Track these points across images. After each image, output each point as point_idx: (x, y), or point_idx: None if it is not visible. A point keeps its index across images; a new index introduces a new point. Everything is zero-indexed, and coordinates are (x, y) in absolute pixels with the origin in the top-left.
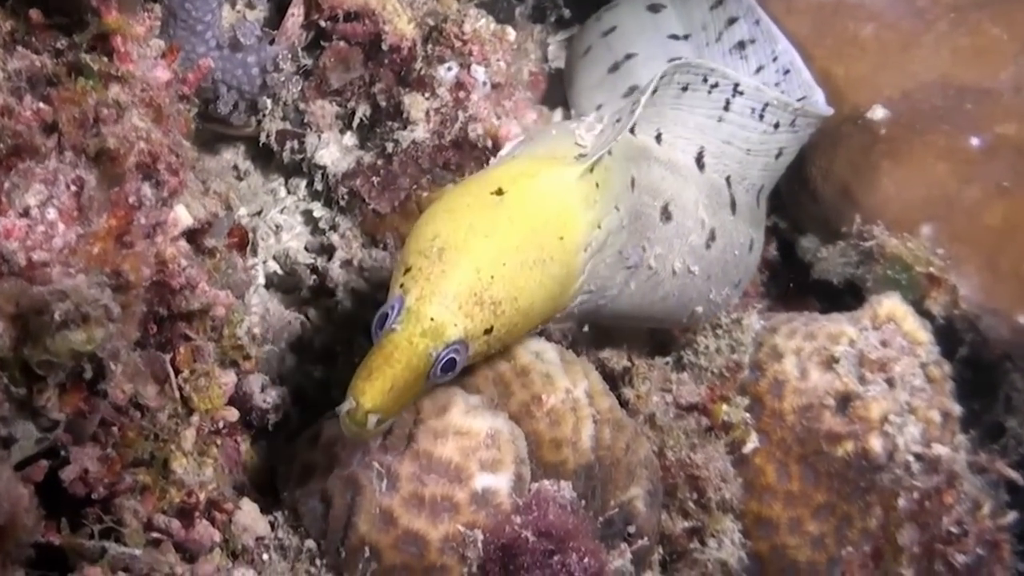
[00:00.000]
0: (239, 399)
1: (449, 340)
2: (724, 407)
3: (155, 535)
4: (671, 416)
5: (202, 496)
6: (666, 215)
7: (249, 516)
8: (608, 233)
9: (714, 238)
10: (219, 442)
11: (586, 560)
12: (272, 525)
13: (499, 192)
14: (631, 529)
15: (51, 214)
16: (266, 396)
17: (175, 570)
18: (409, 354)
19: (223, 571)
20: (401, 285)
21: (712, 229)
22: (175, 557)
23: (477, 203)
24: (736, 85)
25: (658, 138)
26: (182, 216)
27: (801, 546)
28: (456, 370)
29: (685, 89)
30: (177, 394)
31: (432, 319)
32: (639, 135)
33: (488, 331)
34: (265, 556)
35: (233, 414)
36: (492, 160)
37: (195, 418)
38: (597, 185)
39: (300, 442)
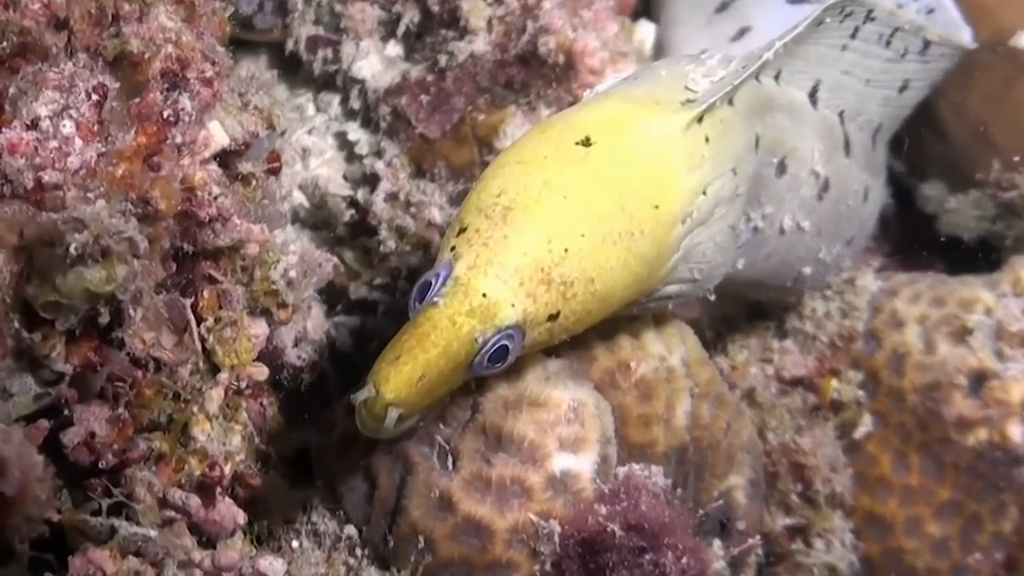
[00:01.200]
0: (269, 354)
1: (502, 324)
2: (834, 383)
3: (169, 513)
4: (772, 392)
5: (227, 469)
6: (781, 169)
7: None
8: (716, 202)
9: (827, 188)
10: (244, 404)
11: (684, 561)
12: (304, 507)
13: (585, 142)
14: (738, 526)
15: (66, 127)
16: (301, 352)
17: (192, 556)
18: (449, 336)
19: (246, 560)
20: (452, 248)
21: (826, 179)
22: (191, 540)
23: (557, 154)
24: (870, 11)
25: (776, 77)
26: (216, 134)
27: (920, 550)
28: (507, 362)
29: (820, 24)
30: (199, 346)
31: (485, 295)
32: (763, 79)
33: (553, 317)
34: (295, 543)
35: (262, 372)
36: (585, 95)
37: (223, 375)
38: (707, 140)
39: (339, 408)
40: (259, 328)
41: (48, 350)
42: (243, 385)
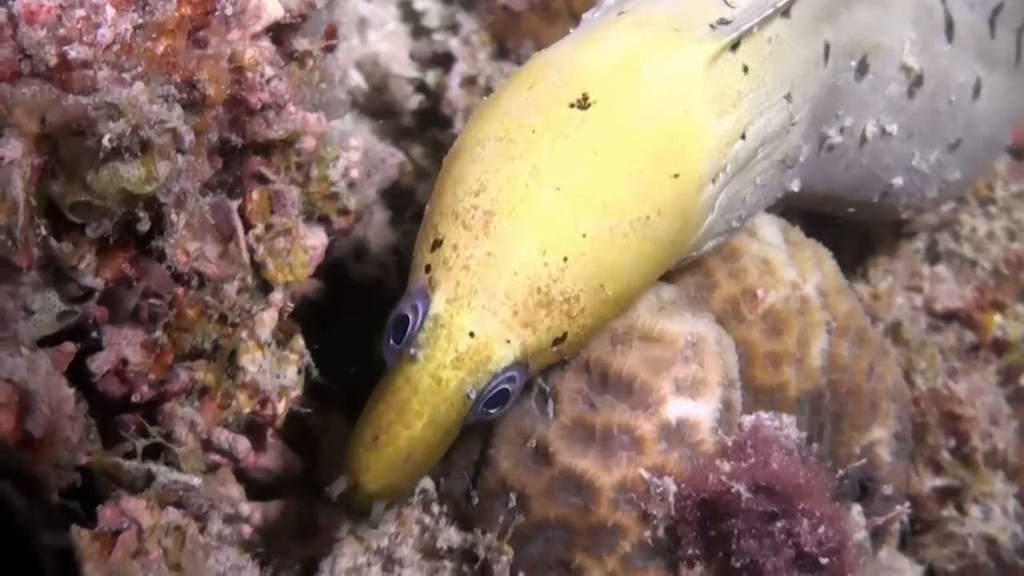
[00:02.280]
0: (327, 269)
1: (498, 368)
2: (997, 318)
3: (214, 457)
4: (922, 327)
5: (280, 406)
6: (862, 70)
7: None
8: (761, 142)
9: (920, 83)
10: (298, 325)
11: (821, 530)
12: None
13: (582, 102)
14: (883, 489)
15: None
16: (364, 268)
17: (240, 509)
18: (435, 400)
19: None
20: (427, 268)
21: (919, 72)
22: (239, 490)
23: (547, 124)
24: None
25: None
26: (268, 4)
27: None
28: (511, 401)
29: None
30: (246, 257)
31: (472, 334)
32: None
33: (559, 340)
34: None
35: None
36: (585, 17)
37: (276, 295)
38: (745, 70)
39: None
40: (316, 238)
41: (76, 260)
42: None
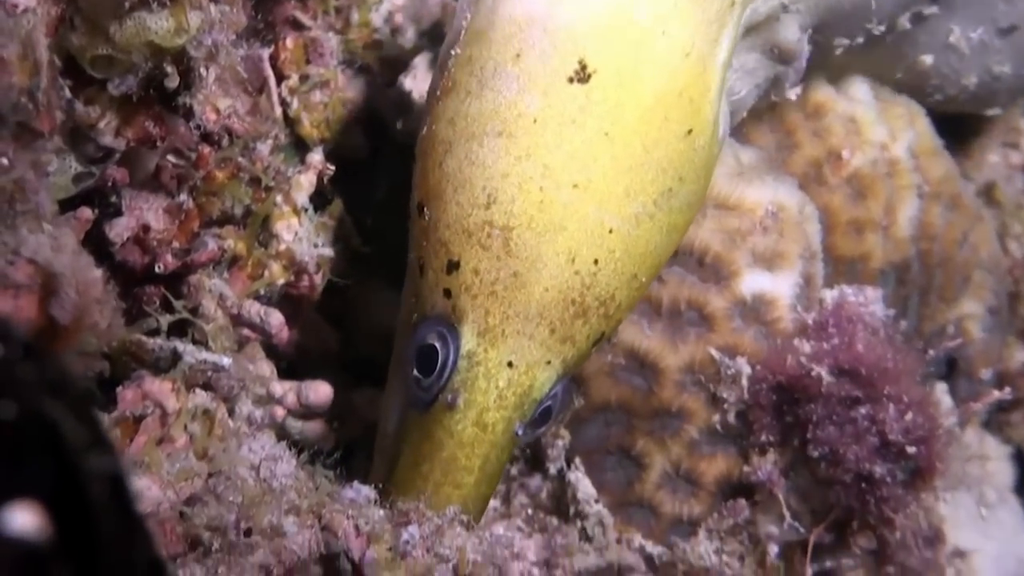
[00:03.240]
0: (368, 126)
1: (541, 395)
2: None
3: (244, 333)
4: (1018, 187)
5: (318, 277)
6: None
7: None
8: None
9: None
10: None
11: (909, 417)
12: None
13: (581, 74)
14: (975, 371)
15: None
16: (408, 124)
17: (272, 389)
18: (484, 448)
19: (341, 394)
20: (447, 293)
21: None
22: (271, 369)
23: (549, 110)
24: None
25: None
26: None
27: None
28: (553, 418)
29: None
30: (279, 112)
31: (511, 363)
32: None
33: (599, 340)
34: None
35: (362, 148)
36: None
37: (315, 155)
38: None
39: None
40: (356, 91)
41: (95, 119)
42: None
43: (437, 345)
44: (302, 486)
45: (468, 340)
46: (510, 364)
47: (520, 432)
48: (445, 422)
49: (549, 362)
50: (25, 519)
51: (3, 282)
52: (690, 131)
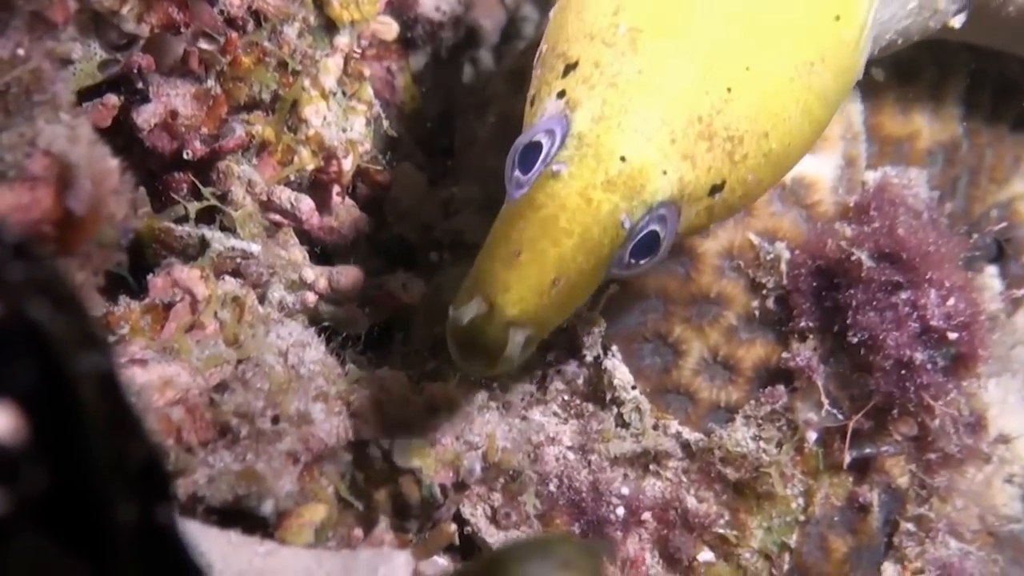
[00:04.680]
0: (398, 5)
1: (654, 199)
2: None
3: (274, 218)
4: None
5: (347, 162)
6: None
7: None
8: None
9: None
10: (367, 74)
11: (951, 302)
12: (446, 209)
13: None
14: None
15: None
16: (440, 2)
17: (303, 275)
18: (586, 220)
19: (371, 280)
20: (561, 94)
21: None
22: (302, 254)
23: None
24: None
25: None
26: None
27: None
28: (659, 255)
29: None
30: None
31: (624, 158)
32: None
33: (717, 189)
34: (434, 255)
35: (391, 28)
36: None
37: (342, 38)
38: None
39: (495, 78)
40: None
41: (119, 5)
42: (366, 47)
43: (543, 140)
44: (330, 372)
45: (581, 122)
46: (623, 159)
47: (627, 226)
48: (547, 186)
49: (665, 172)
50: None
51: (20, 174)
52: (839, 17)
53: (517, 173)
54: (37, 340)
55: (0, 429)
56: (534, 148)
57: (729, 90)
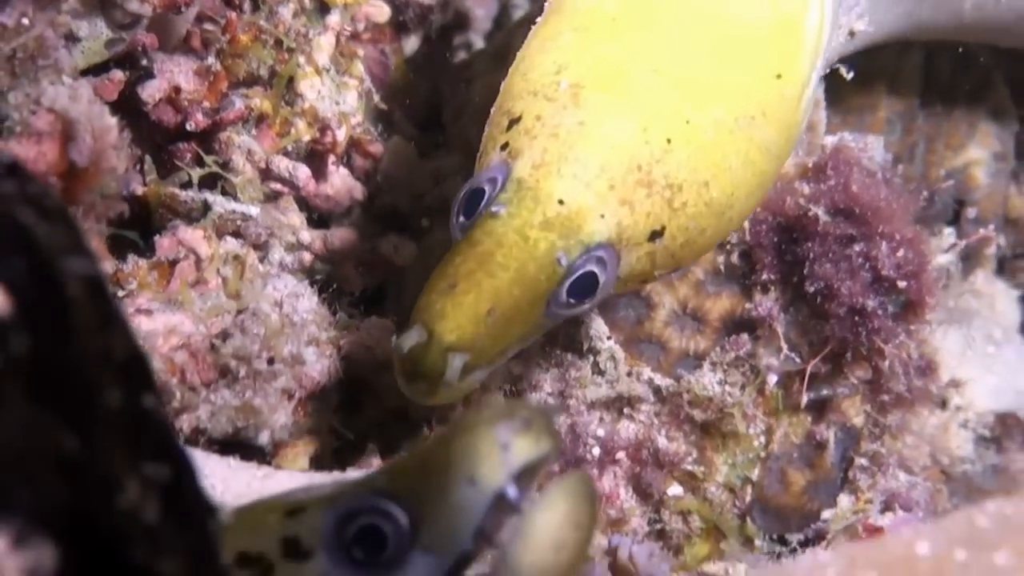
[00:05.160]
0: None
1: (591, 240)
2: None
3: (273, 186)
4: None
5: (341, 133)
6: None
7: (401, 162)
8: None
9: None
10: (360, 52)
11: (901, 253)
12: (436, 179)
13: None
14: (969, 214)
15: None
16: None
17: (300, 237)
18: (522, 256)
19: (367, 243)
20: (504, 147)
21: None
22: (300, 219)
23: (630, 10)
24: None
25: None
26: None
27: None
28: (596, 296)
29: None
30: None
31: (561, 201)
32: None
33: (657, 235)
34: (425, 222)
35: (382, 11)
36: None
37: (334, 17)
38: None
39: (478, 60)
40: None
41: None
42: (360, 28)
43: (486, 187)
44: (322, 320)
45: (521, 169)
46: (561, 201)
47: (563, 263)
48: (486, 224)
49: (603, 216)
50: None
51: (27, 130)
52: (780, 76)
53: (461, 219)
54: (27, 242)
55: None
56: (477, 195)
57: (669, 141)
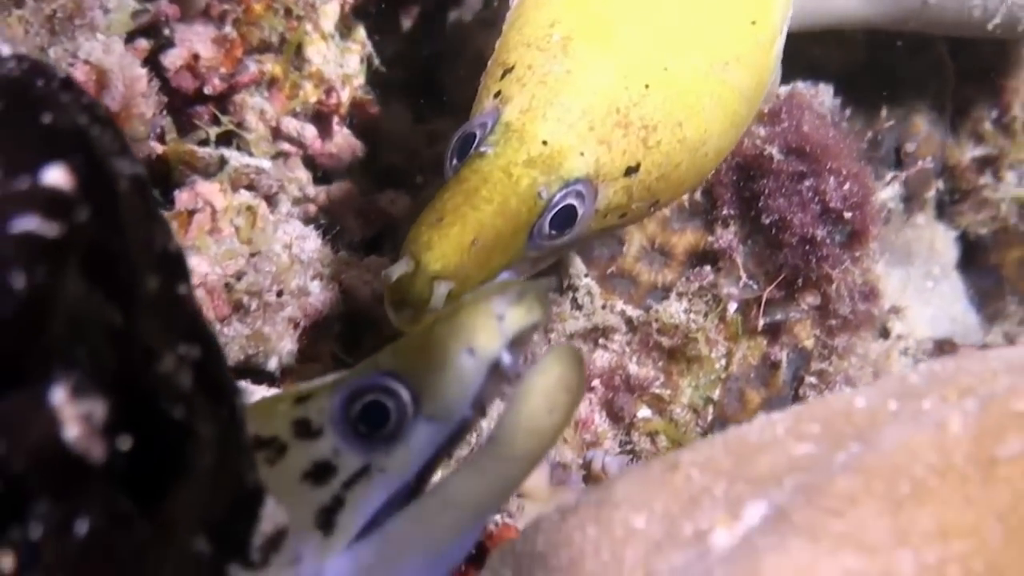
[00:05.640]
0: None
1: (570, 175)
2: None
3: (283, 145)
4: None
5: (344, 95)
6: None
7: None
8: None
9: None
10: (361, 22)
11: (847, 186)
12: (429, 139)
13: None
14: (908, 149)
15: None
16: None
17: (307, 191)
18: (505, 190)
19: (366, 197)
20: (497, 94)
21: None
22: (306, 175)
23: None
24: None
25: None
26: None
27: None
28: (575, 228)
29: None
30: None
31: (545, 142)
32: None
33: (632, 170)
34: (420, 178)
35: None
36: None
37: None
38: None
39: (469, 26)
40: None
41: None
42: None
43: (477, 132)
44: (326, 259)
45: (509, 113)
46: (544, 142)
47: (543, 196)
48: (473, 163)
49: (582, 153)
50: (56, 174)
51: None
52: (754, 22)
53: (454, 162)
54: (84, 141)
55: (59, 179)
56: (469, 139)
57: (647, 86)
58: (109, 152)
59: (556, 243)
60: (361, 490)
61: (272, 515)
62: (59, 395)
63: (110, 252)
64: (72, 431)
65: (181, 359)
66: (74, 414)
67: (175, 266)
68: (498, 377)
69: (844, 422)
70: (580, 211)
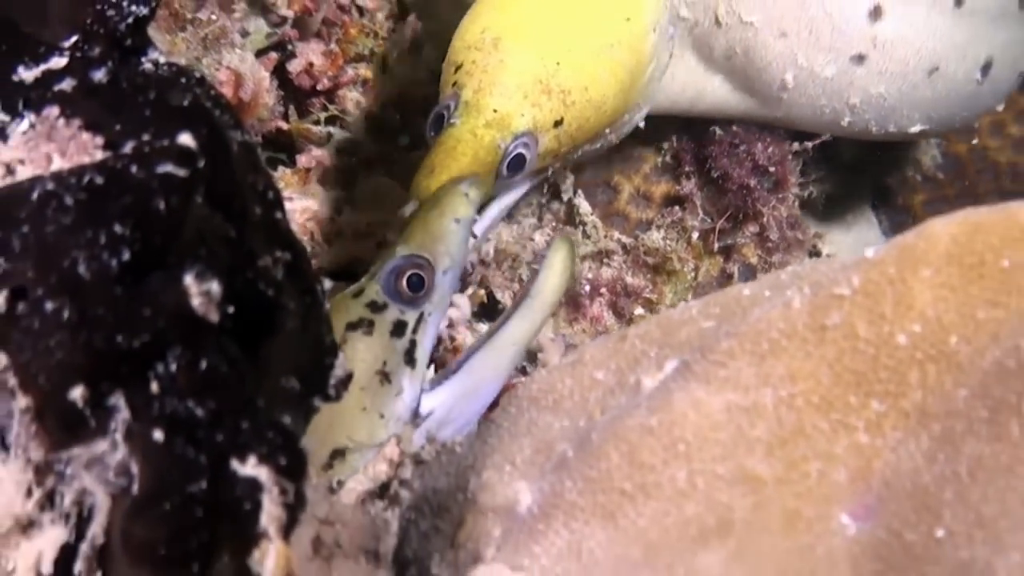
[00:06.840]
0: None
1: (518, 130)
2: None
3: None
4: None
5: None
6: None
7: None
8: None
9: None
10: None
11: (770, 150)
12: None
13: None
14: None
15: None
16: None
17: None
18: (475, 146)
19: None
20: (454, 84)
21: None
22: None
23: None
24: None
25: None
26: None
27: (1003, 148)
28: (526, 169)
29: None
30: None
31: (495, 110)
32: None
33: (558, 123)
34: None
35: None
36: None
37: (412, 18)
38: None
39: None
40: None
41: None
42: None
43: (444, 112)
44: None
45: (466, 95)
46: (495, 110)
47: (501, 147)
48: (448, 131)
49: (522, 115)
50: (186, 138)
51: (214, 80)
52: (628, 19)
53: (432, 134)
54: (208, 117)
55: (188, 141)
56: (439, 116)
57: (558, 63)
58: (226, 126)
59: (515, 179)
60: (423, 330)
61: (342, 364)
62: (189, 278)
63: (225, 189)
64: (197, 301)
65: (276, 259)
66: (198, 290)
67: (273, 199)
68: (471, 232)
69: (735, 305)
70: (527, 156)
